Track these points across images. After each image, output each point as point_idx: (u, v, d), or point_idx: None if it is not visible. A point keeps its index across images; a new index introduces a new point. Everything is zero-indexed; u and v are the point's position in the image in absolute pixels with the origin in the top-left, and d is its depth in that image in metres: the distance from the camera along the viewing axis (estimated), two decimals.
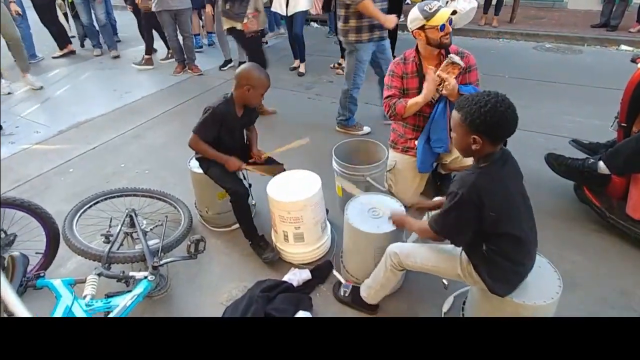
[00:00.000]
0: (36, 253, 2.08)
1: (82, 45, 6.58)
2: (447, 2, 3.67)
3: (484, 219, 1.28)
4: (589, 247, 2.20)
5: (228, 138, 2.20)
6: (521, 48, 5.72)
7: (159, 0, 4.58)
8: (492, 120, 1.24)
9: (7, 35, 4.28)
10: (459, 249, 1.48)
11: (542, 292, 1.44)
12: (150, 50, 5.51)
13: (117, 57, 5.99)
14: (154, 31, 5.38)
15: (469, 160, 1.54)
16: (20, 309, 1.21)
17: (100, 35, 6.05)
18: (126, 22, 7.01)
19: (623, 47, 5.47)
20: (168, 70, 5.31)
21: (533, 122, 3.50)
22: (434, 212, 1.67)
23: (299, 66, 5.11)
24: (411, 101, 2.16)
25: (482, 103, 1.25)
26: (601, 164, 2.14)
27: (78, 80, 5.24)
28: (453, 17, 2.06)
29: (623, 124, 2.14)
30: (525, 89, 4.24)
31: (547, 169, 2.49)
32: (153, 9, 4.67)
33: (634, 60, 2.13)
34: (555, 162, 2.39)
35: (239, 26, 3.57)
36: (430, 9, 2.05)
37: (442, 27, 2.05)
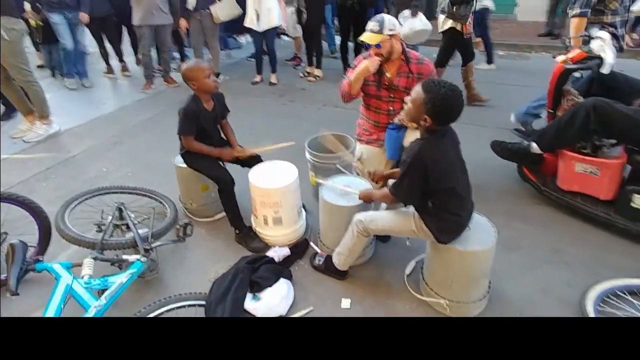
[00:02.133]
0: (29, 246, 2.21)
1: (54, 75, 5.74)
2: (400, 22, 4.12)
3: (428, 180, 1.58)
4: (530, 217, 2.55)
5: (205, 133, 2.38)
6: (476, 55, 6.21)
7: (143, 16, 4.70)
8: (445, 110, 1.55)
9: (18, 81, 3.78)
10: (412, 210, 1.76)
11: (480, 241, 1.75)
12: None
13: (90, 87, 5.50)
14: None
15: None
16: None
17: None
18: None
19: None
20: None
21: (486, 119, 3.90)
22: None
23: (261, 78, 5.37)
24: (352, 77, 2.32)
25: (447, 96, 1.53)
26: (533, 144, 2.51)
27: (53, 94, 5.28)
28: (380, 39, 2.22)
29: (550, 110, 2.53)
30: (480, 91, 4.67)
31: (495, 155, 2.85)
32: (134, 23, 4.80)
33: (554, 57, 2.52)
34: (499, 147, 2.74)
35: (458, 27, 3.86)
36: (368, 27, 2.27)
37: (369, 45, 2.28)
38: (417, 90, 1.62)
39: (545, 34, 6.80)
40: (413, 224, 1.75)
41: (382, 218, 1.86)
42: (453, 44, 4.08)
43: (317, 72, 5.42)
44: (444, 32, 3.98)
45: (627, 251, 2.26)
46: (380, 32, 2.19)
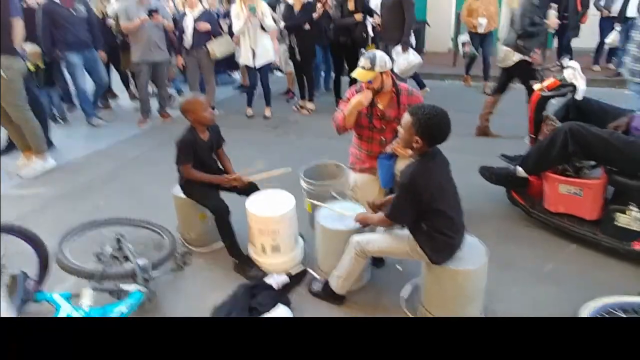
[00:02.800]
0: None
1: (55, 120, 5.39)
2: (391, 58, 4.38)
3: (422, 200, 1.67)
4: (520, 239, 2.64)
5: (202, 163, 2.47)
6: (462, 88, 6.48)
7: (140, 53, 4.87)
8: (433, 130, 1.68)
9: (14, 118, 3.83)
10: (407, 232, 1.83)
11: (471, 261, 1.82)
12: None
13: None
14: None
15: None
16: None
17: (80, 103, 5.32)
18: None
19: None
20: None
21: (474, 146, 4.06)
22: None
23: (253, 112, 5.54)
24: (346, 111, 2.44)
25: (431, 116, 1.68)
26: (519, 168, 2.63)
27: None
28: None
29: (532, 135, 2.68)
30: (468, 121, 4.85)
31: (484, 181, 2.96)
32: (133, 60, 4.95)
33: (532, 85, 2.69)
34: (487, 172, 2.86)
35: (527, 59, 3.90)
36: (360, 63, 2.40)
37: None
38: (405, 116, 1.76)
39: None
40: (408, 245, 1.82)
41: (379, 240, 1.93)
42: (517, 76, 4.11)
43: (309, 105, 5.61)
44: (514, 66, 3.94)
45: (615, 269, 2.33)
46: (371, 69, 2.31)
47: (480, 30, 5.59)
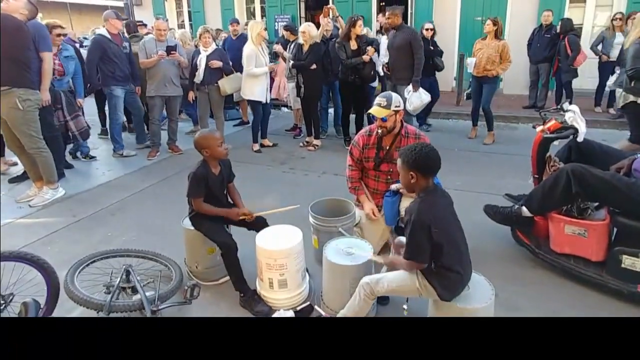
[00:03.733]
0: None
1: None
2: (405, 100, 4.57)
3: (432, 235, 1.71)
4: (526, 279, 2.63)
5: (213, 197, 2.53)
6: (466, 126, 6.62)
7: (156, 87, 5.10)
8: (421, 159, 1.79)
9: (27, 148, 3.90)
10: (415, 270, 1.86)
11: (478, 299, 1.83)
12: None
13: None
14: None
15: None
16: None
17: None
18: None
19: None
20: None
21: (478, 185, 4.12)
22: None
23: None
24: (362, 198, 2.74)
25: (412, 148, 1.83)
26: (524, 208, 2.67)
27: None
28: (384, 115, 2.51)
29: (535, 176, 2.74)
30: (472, 160, 4.98)
31: (489, 220, 2.99)
32: (148, 94, 5.19)
33: (534, 127, 2.79)
34: (491, 211, 2.89)
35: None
36: (376, 101, 2.59)
37: (374, 117, 2.58)
38: (397, 161, 1.91)
39: (529, 106, 7.33)
40: (417, 282, 1.84)
41: (388, 279, 1.95)
42: (626, 116, 3.83)
43: (315, 141, 5.74)
44: (624, 106, 3.61)
45: (621, 311, 2.31)
46: (387, 107, 2.47)
47: (469, 70, 5.55)
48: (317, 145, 5.71)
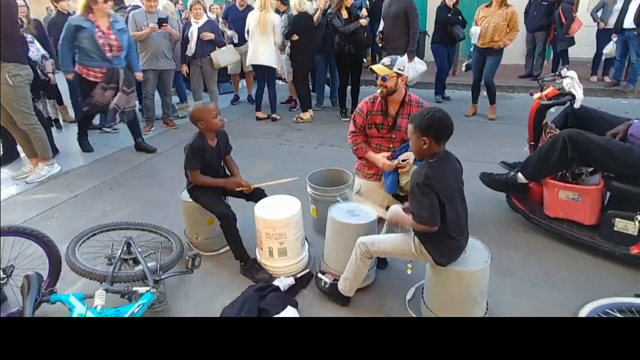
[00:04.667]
0: None
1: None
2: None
3: (439, 200, 1.72)
4: (520, 244, 2.70)
5: (210, 169, 2.53)
6: (464, 96, 6.58)
7: (148, 61, 4.97)
8: (435, 124, 1.75)
9: (20, 124, 3.86)
10: (412, 233, 1.89)
11: (474, 262, 1.88)
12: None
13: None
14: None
15: None
16: None
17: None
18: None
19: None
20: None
21: (475, 153, 4.13)
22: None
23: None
24: (369, 155, 2.67)
25: (425, 113, 1.77)
26: (519, 174, 2.70)
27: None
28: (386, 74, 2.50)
29: (531, 143, 2.76)
30: (468, 129, 4.97)
31: (484, 187, 3.02)
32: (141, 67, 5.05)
33: (531, 94, 2.78)
34: (487, 179, 2.92)
35: None
36: (382, 61, 2.60)
37: (376, 77, 2.57)
38: (408, 126, 1.85)
39: (525, 75, 7.27)
40: (413, 247, 1.87)
41: (384, 241, 1.98)
42: None
43: (303, 115, 5.69)
44: None
45: (613, 273, 2.39)
46: (390, 67, 2.47)
47: (474, 41, 5.07)
48: (301, 119, 5.67)
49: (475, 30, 5.00)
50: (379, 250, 1.96)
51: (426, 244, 1.83)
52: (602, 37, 6.42)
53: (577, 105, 2.56)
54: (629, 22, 5.61)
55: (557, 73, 2.71)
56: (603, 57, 6.53)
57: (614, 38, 6.03)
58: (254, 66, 5.49)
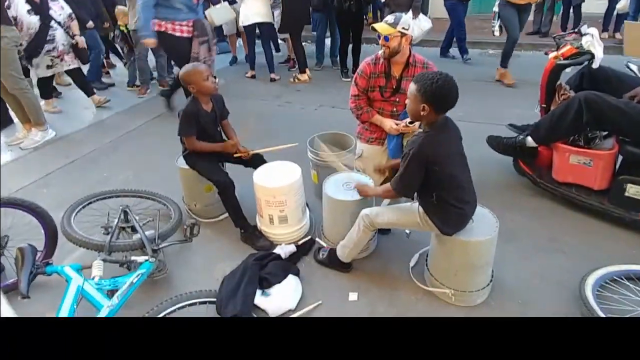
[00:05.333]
0: None
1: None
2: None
3: (430, 171, 1.65)
4: (526, 208, 2.63)
5: (205, 135, 2.43)
6: (471, 55, 6.32)
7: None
8: (440, 94, 1.62)
9: (10, 89, 3.72)
10: (417, 204, 1.82)
11: (482, 232, 1.82)
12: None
13: None
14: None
15: None
16: None
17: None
18: None
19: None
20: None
21: (480, 115, 3.99)
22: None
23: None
24: (375, 119, 2.51)
25: (435, 80, 1.61)
26: (529, 138, 2.59)
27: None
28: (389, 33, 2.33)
29: (543, 105, 2.63)
30: (474, 89, 4.77)
31: (491, 151, 2.93)
32: (131, 28, 4.85)
33: (546, 53, 2.61)
34: (494, 142, 2.82)
35: None
36: (384, 19, 2.42)
37: (378, 36, 2.39)
38: (410, 86, 1.71)
39: (533, 32, 6.93)
40: (418, 217, 1.81)
41: (388, 213, 1.92)
42: None
43: (300, 76, 5.50)
44: None
45: (621, 238, 2.34)
46: (394, 25, 2.29)
47: None
48: (298, 79, 5.48)
49: None
50: (384, 222, 1.91)
51: (430, 214, 1.77)
52: None
53: (595, 65, 2.40)
54: None
55: (576, 30, 2.51)
56: (615, 13, 6.19)
57: None
58: (245, 28, 5.29)
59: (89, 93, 4.83)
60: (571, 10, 6.44)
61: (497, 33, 5.02)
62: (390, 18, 2.33)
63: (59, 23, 4.23)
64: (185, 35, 3.69)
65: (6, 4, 3.78)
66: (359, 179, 2.30)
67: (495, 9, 4.59)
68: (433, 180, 1.69)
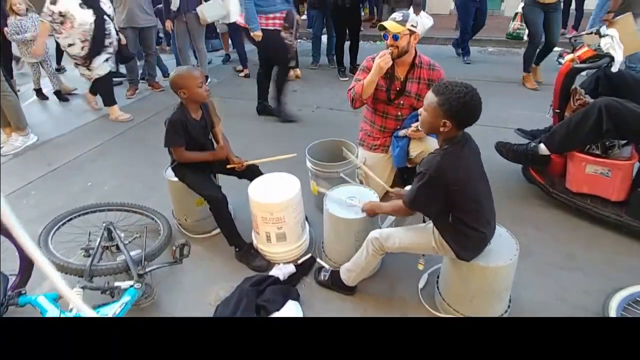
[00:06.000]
0: (10, 274, 2.03)
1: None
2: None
3: (449, 193, 1.47)
4: (539, 221, 2.48)
5: (196, 145, 2.24)
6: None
7: (126, 18, 4.51)
8: (465, 111, 1.45)
9: None
10: (431, 225, 1.65)
11: (501, 256, 1.65)
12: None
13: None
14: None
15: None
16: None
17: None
18: None
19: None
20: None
21: (483, 117, 3.77)
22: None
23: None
24: (366, 80, 2.26)
25: (462, 94, 1.43)
26: (541, 145, 2.43)
27: (27, 104, 4.98)
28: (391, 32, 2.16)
29: (557, 110, 2.47)
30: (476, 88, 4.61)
31: (498, 156, 2.76)
32: (118, 25, 4.58)
33: (561, 55, 2.45)
34: (503, 149, 2.66)
35: None
36: (392, 17, 2.24)
37: (385, 36, 2.23)
38: (429, 95, 1.52)
39: None
40: (433, 240, 1.64)
41: (400, 236, 1.74)
42: None
43: (291, 73, 5.29)
44: None
45: (639, 253, 2.20)
46: (403, 23, 2.13)
47: None
48: (296, 76, 5.32)
49: None
50: (395, 246, 1.73)
51: (446, 237, 1.60)
52: None
53: (615, 69, 2.25)
54: None
55: (594, 31, 2.35)
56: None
57: None
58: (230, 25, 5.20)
59: (111, 102, 4.34)
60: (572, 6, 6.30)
61: (526, 37, 4.78)
62: (397, 15, 2.16)
63: (108, 16, 3.90)
64: (272, 28, 3.65)
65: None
66: (362, 193, 2.12)
67: (519, 10, 4.31)
68: (451, 200, 1.52)
